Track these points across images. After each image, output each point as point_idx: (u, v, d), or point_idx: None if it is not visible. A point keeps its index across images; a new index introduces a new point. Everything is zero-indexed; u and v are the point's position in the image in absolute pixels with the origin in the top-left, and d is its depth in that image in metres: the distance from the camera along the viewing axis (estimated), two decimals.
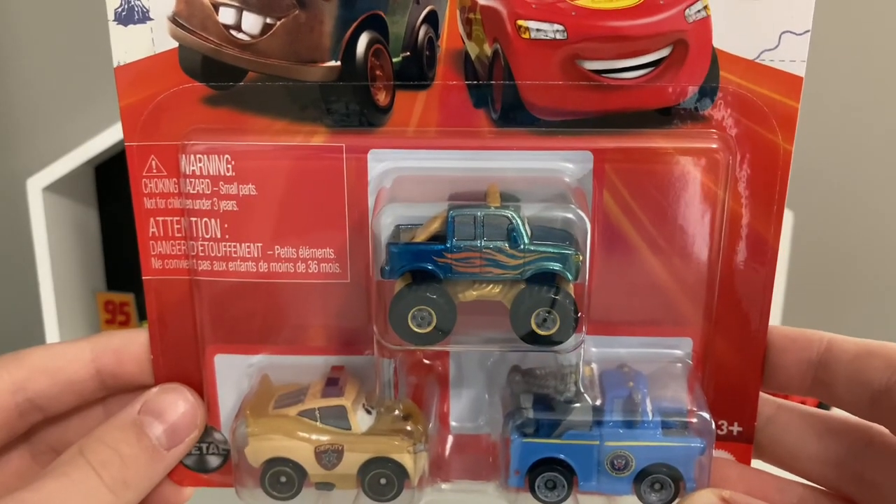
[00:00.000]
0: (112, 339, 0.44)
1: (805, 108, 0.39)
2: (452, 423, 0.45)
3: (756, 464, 0.45)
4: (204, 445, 0.46)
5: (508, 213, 0.38)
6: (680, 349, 0.44)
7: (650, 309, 0.43)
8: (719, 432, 0.44)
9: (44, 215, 0.87)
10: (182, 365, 0.45)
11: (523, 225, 0.38)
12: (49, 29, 0.96)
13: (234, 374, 0.45)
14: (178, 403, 0.43)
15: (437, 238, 0.38)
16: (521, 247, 0.38)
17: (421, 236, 0.39)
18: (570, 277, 0.38)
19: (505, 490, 0.42)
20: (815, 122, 0.79)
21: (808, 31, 0.39)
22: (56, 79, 0.98)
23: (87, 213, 0.95)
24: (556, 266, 0.38)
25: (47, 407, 0.44)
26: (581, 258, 0.38)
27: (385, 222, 0.39)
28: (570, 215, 0.39)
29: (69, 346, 0.44)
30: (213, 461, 0.46)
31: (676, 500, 0.41)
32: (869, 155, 0.93)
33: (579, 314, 0.39)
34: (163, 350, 0.45)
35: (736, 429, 0.45)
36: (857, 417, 0.42)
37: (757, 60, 0.39)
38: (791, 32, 0.39)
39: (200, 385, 0.45)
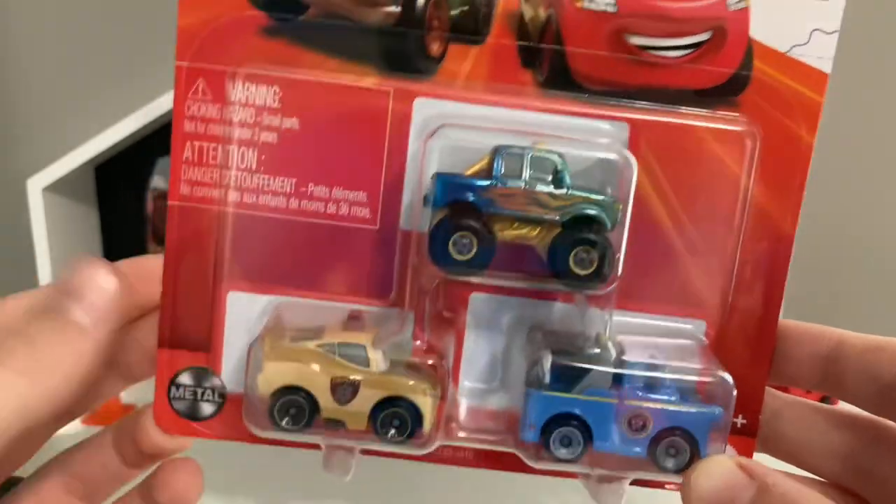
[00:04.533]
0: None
1: (830, 96, 0.42)
2: (466, 384, 0.44)
3: (762, 457, 0.45)
4: (199, 390, 0.44)
5: (555, 156, 0.39)
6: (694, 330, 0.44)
7: (666, 287, 0.44)
8: None
9: (44, 215, 0.85)
10: (193, 299, 0.44)
11: (568, 170, 0.39)
12: (49, 29, 0.97)
13: (245, 314, 0.44)
14: (93, 275, 0.40)
15: (480, 174, 0.39)
16: (566, 189, 0.39)
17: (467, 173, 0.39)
18: (608, 225, 0.39)
19: (521, 446, 0.41)
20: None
21: (836, 31, 0.42)
22: (56, 79, 0.98)
23: (87, 213, 0.94)
24: (597, 210, 0.39)
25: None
26: (620, 207, 0.40)
27: (438, 145, 0.40)
28: (615, 157, 0.40)
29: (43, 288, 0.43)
30: (207, 409, 0.44)
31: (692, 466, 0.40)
32: (869, 155, 0.96)
33: (616, 256, 0.39)
34: (175, 281, 0.43)
35: (740, 421, 0.45)
36: (865, 412, 0.43)
37: (788, 54, 0.42)
38: (821, 31, 0.42)
39: (209, 322, 0.44)
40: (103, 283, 0.40)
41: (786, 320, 0.45)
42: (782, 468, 0.44)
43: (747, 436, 0.45)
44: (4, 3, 0.96)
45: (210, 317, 0.44)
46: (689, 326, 0.44)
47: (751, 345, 0.44)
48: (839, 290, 1.01)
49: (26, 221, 0.87)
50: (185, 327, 0.44)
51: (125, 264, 0.43)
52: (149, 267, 0.43)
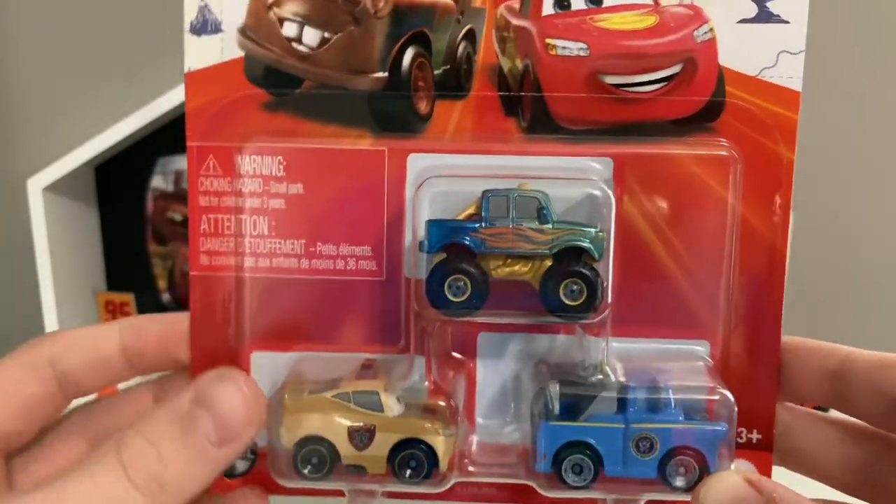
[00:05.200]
0: (137, 319, 0.46)
1: (806, 112, 0.44)
2: (478, 420, 0.46)
3: (777, 470, 0.46)
4: None
5: (538, 194, 0.42)
6: (697, 352, 0.46)
7: (666, 311, 0.45)
8: (738, 440, 0.45)
9: (44, 215, 0.87)
10: (220, 363, 0.46)
11: (551, 206, 0.42)
12: (49, 29, 0.99)
13: (270, 373, 0.46)
14: (233, 395, 0.39)
15: (472, 218, 0.42)
16: (550, 224, 0.41)
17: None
18: (595, 254, 0.41)
19: (534, 477, 0.43)
20: (815, 125, 0.81)
21: (802, 52, 0.44)
22: (56, 79, 1.00)
23: (87, 213, 0.96)
24: (584, 242, 0.41)
25: (82, 384, 0.45)
26: (605, 236, 0.42)
27: (425, 194, 0.43)
28: (595, 192, 0.42)
29: (100, 326, 0.46)
30: (241, 465, 0.47)
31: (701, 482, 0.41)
32: (867, 156, 0.96)
33: (604, 284, 0.41)
34: (203, 348, 0.46)
35: (755, 436, 0.46)
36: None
37: (758, 77, 0.44)
38: (787, 52, 0.44)
39: None
40: (238, 401, 0.39)
41: (793, 337, 0.46)
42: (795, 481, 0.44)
43: (764, 450, 0.46)
44: (4, 4, 0.98)
45: None
46: (692, 348, 0.45)
47: (756, 359, 0.45)
48: (841, 301, 1.00)
49: (26, 221, 0.88)
50: None
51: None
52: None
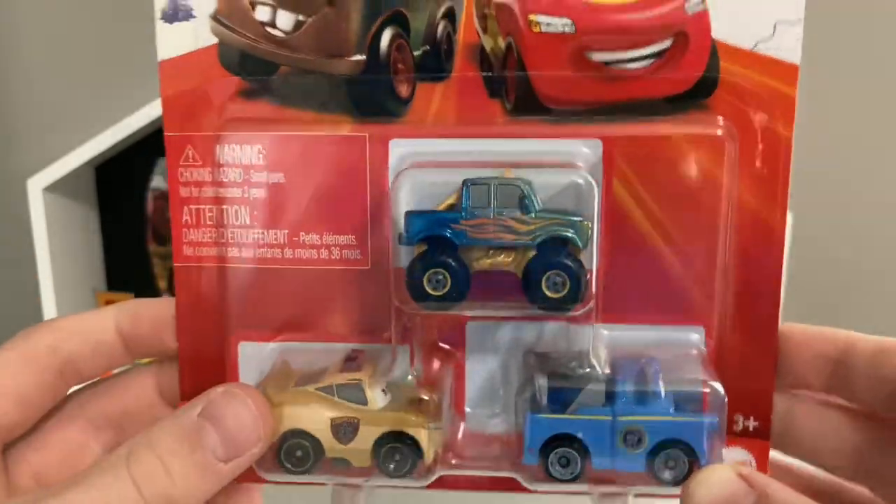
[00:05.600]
0: (132, 304, 0.46)
1: (804, 108, 0.41)
2: (466, 410, 0.45)
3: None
4: None
5: (520, 182, 0.40)
6: (691, 338, 0.44)
7: (660, 296, 0.44)
8: (735, 428, 0.44)
9: (44, 215, 0.88)
10: (207, 353, 0.46)
11: (534, 195, 0.40)
12: (50, 29, 0.99)
13: (257, 362, 0.46)
14: (241, 413, 0.40)
15: (453, 208, 0.41)
16: (533, 214, 0.40)
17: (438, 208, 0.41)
18: (580, 244, 0.40)
19: (519, 469, 0.42)
20: (815, 121, 0.78)
21: (800, 20, 0.41)
22: (56, 79, 1.00)
23: (87, 213, 0.96)
24: (568, 232, 0.40)
25: (83, 370, 0.45)
26: (590, 225, 0.40)
27: (402, 186, 0.41)
28: (578, 180, 0.41)
29: (96, 312, 0.46)
30: None
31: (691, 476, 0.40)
32: (869, 155, 0.93)
33: (588, 276, 0.40)
34: (190, 338, 0.46)
35: (752, 424, 0.44)
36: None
37: (753, 50, 0.42)
38: (784, 22, 0.41)
39: (224, 373, 0.46)
40: (246, 418, 0.40)
41: (793, 324, 0.44)
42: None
43: (760, 438, 0.44)
44: (5, 4, 0.98)
45: (225, 367, 0.46)
46: (686, 333, 0.44)
47: (753, 344, 0.44)
48: (839, 294, 0.97)
49: (26, 221, 0.88)
50: (204, 379, 0.46)
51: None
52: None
